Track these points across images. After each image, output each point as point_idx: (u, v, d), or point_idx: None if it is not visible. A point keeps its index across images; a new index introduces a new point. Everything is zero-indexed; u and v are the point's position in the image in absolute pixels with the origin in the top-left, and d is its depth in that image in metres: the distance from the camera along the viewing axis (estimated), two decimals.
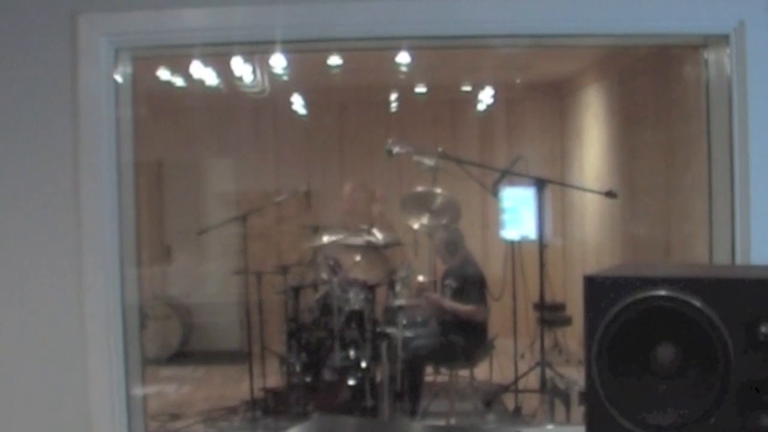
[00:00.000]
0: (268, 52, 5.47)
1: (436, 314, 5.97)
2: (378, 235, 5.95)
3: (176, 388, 7.09)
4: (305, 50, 4.85)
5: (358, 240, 5.94)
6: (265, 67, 6.54)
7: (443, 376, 6.23)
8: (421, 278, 6.07)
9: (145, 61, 4.17)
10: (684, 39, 3.88)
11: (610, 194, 5.66)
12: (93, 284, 3.56)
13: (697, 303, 1.99)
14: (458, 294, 5.95)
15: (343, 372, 5.57)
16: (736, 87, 3.51)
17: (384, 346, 5.53)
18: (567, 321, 7.45)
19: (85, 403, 3.57)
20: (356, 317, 5.61)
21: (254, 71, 6.62)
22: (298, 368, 5.74)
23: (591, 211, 7.88)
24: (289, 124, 8.62)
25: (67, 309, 3.56)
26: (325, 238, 5.96)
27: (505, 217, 7.35)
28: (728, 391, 1.96)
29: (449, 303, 5.94)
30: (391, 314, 5.74)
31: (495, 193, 6.07)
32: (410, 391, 5.73)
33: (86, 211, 3.56)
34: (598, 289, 2.10)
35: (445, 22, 3.57)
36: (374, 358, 5.55)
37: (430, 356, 5.92)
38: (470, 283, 5.98)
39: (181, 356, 8.10)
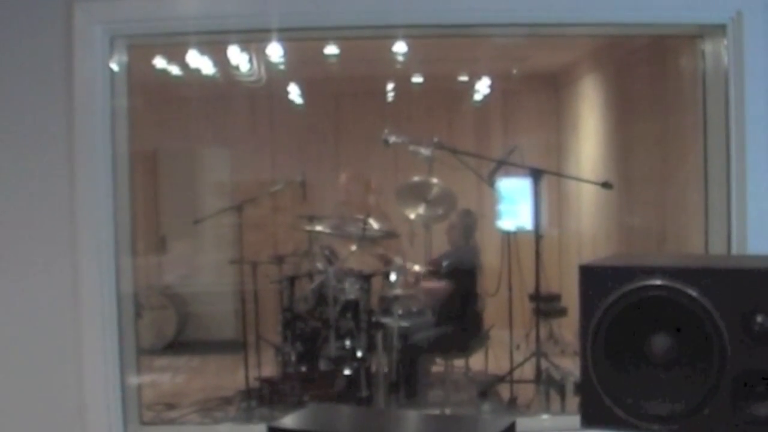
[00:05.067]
0: (265, 41, 5.45)
1: (430, 302, 5.96)
2: (374, 225, 5.94)
3: (171, 377, 7.09)
4: (301, 39, 4.84)
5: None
6: (262, 57, 6.52)
7: (438, 366, 6.24)
8: (416, 268, 6.07)
9: (140, 49, 4.15)
10: (681, 29, 3.88)
11: (606, 185, 5.66)
12: (88, 274, 3.56)
13: (693, 293, 1.98)
14: (454, 276, 5.96)
15: (339, 362, 5.58)
16: (733, 78, 3.50)
17: (379, 336, 5.53)
18: (562, 312, 7.45)
19: (80, 393, 3.57)
20: (352, 307, 5.61)
21: (250, 60, 6.61)
22: (293, 358, 5.74)
23: (587, 201, 7.88)
24: (285, 114, 8.60)
25: (62, 298, 3.56)
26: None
27: (501, 207, 7.35)
28: (723, 381, 1.96)
29: (424, 284, 5.95)
30: (387, 304, 5.73)
31: (491, 183, 6.06)
32: (407, 382, 5.74)
33: (81, 200, 3.55)
34: (593, 278, 2.10)
35: (441, 10, 3.56)
36: (369, 348, 5.55)
37: (426, 346, 5.92)
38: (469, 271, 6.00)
39: (176, 346, 8.09)
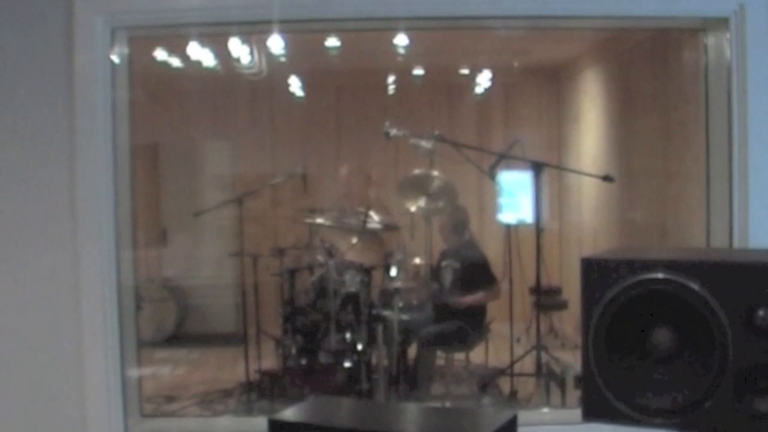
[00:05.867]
0: (266, 33, 5.44)
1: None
2: (375, 218, 5.94)
3: (171, 370, 7.09)
4: (303, 31, 4.83)
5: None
6: (263, 49, 6.51)
7: (439, 359, 6.24)
8: (417, 261, 6.06)
9: (141, 41, 4.14)
10: (683, 22, 3.87)
11: (607, 178, 5.65)
12: (89, 266, 3.56)
13: (695, 286, 1.98)
14: (463, 277, 5.94)
15: (339, 355, 5.57)
16: (736, 71, 3.50)
17: (380, 329, 5.53)
18: (563, 305, 7.45)
19: (81, 385, 3.57)
20: (352, 300, 5.60)
21: (252, 53, 6.60)
22: (293, 351, 5.73)
23: (588, 195, 7.87)
24: (286, 106, 8.59)
25: (63, 291, 3.56)
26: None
27: (502, 200, 7.35)
28: (725, 375, 1.95)
29: (469, 299, 5.92)
30: (387, 297, 5.73)
31: (492, 176, 6.06)
32: (408, 374, 5.75)
33: (82, 193, 3.55)
34: (595, 271, 2.09)
35: (443, 3, 3.56)
36: (370, 341, 5.55)
37: (429, 340, 5.91)
38: (476, 267, 5.97)
39: (177, 338, 8.10)
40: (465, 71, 8.51)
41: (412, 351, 5.97)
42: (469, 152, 6.00)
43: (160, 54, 6.79)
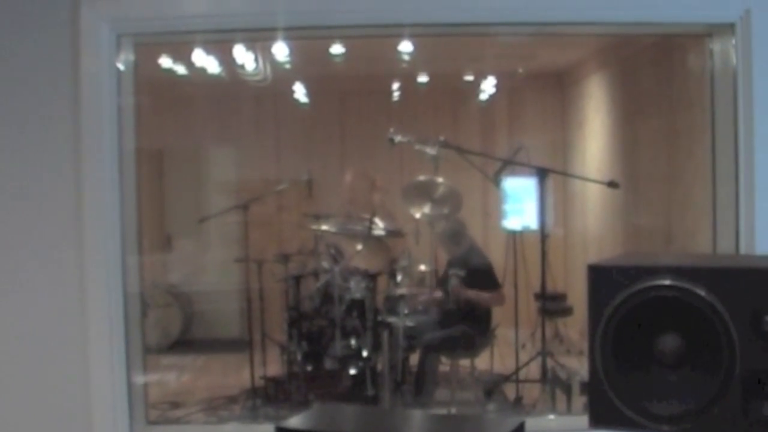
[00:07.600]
0: (270, 40, 5.45)
1: (457, 304, 5.92)
2: (379, 224, 5.94)
3: (177, 376, 7.09)
4: (307, 38, 4.84)
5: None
6: (267, 56, 6.52)
7: (444, 365, 6.23)
8: (422, 267, 6.06)
9: (147, 48, 4.15)
10: (689, 28, 3.87)
11: (612, 184, 5.64)
12: (94, 272, 3.56)
13: (702, 292, 1.97)
14: (469, 283, 5.92)
15: (344, 361, 5.57)
16: (742, 77, 3.49)
17: (385, 335, 5.52)
18: (568, 311, 7.44)
19: (86, 391, 3.57)
20: (357, 306, 5.61)
21: (256, 59, 6.61)
22: (298, 357, 5.74)
23: (593, 201, 7.87)
24: (291, 113, 8.61)
25: (68, 297, 3.56)
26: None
27: (507, 206, 7.34)
28: (732, 381, 1.95)
29: (471, 292, 5.90)
30: (393, 303, 5.72)
31: (497, 182, 6.05)
32: (414, 381, 5.74)
33: (88, 199, 3.55)
34: (602, 277, 2.09)
35: (447, 9, 3.56)
36: (375, 348, 5.54)
37: (434, 346, 5.91)
38: (481, 272, 5.96)
39: (182, 344, 8.09)
40: (469, 77, 8.51)
41: (418, 357, 5.97)
42: (473, 158, 6.00)
43: (166, 61, 6.81)
